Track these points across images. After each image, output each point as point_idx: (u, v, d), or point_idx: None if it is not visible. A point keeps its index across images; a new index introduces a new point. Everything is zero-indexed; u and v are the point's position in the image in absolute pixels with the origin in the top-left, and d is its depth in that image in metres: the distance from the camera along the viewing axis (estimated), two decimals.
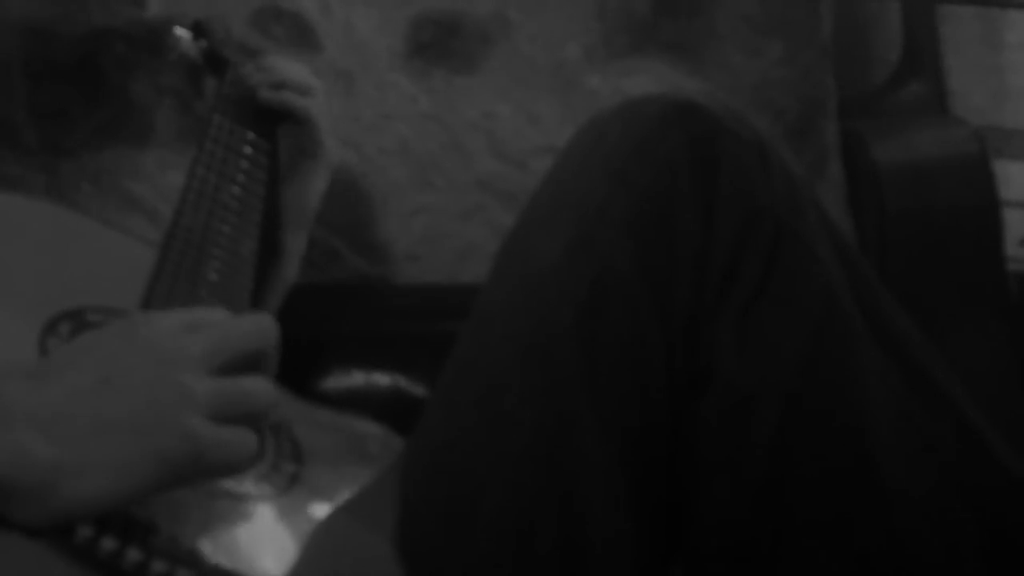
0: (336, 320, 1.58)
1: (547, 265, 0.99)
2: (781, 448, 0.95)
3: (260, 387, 0.90)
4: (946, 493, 0.96)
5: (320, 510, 0.98)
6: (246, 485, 0.96)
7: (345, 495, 1.00)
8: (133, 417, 0.85)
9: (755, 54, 1.69)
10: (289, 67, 1.43)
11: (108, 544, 0.83)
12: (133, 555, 0.83)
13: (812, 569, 0.95)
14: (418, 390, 1.47)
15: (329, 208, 1.58)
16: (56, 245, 1.14)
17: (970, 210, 1.68)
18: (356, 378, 1.51)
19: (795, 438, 0.95)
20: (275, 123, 1.37)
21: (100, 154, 1.61)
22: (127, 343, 0.89)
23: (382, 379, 1.50)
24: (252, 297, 1.17)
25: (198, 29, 1.46)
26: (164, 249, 1.12)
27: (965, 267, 1.67)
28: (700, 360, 0.97)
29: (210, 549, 0.89)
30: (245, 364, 0.91)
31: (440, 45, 1.67)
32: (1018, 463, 0.98)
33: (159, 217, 1.57)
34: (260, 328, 0.93)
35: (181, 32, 1.46)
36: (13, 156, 1.59)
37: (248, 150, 1.30)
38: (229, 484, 0.95)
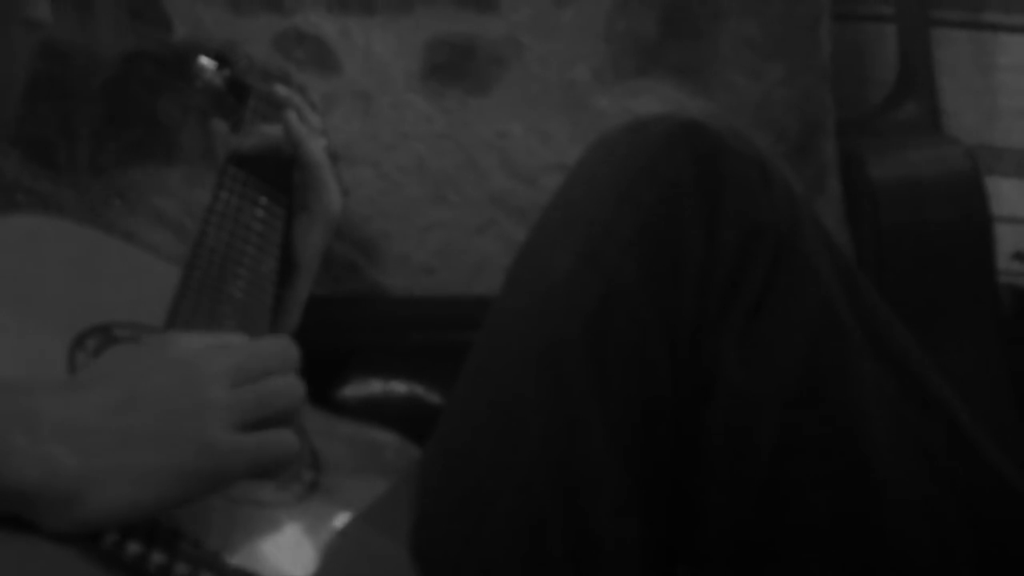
0: (354, 331, 1.58)
1: (557, 278, 0.99)
2: (781, 454, 0.95)
3: (285, 384, 0.90)
4: (940, 498, 0.96)
5: (338, 517, 0.98)
6: (267, 492, 0.96)
7: (362, 503, 1.00)
8: (155, 431, 0.85)
9: (757, 76, 1.69)
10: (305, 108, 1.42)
11: (133, 548, 0.83)
12: (157, 559, 0.83)
13: (811, 570, 0.95)
14: (434, 398, 1.47)
15: (348, 223, 1.58)
16: (84, 263, 1.14)
17: (963, 225, 1.68)
18: (374, 387, 1.50)
19: (795, 444, 0.95)
20: (290, 172, 1.35)
21: (129, 171, 1.61)
22: (155, 362, 0.89)
23: (399, 387, 1.50)
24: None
25: (221, 58, 1.46)
26: (189, 267, 1.12)
27: (958, 280, 1.67)
28: (703, 370, 0.96)
29: (231, 554, 0.88)
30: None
31: (455, 67, 1.67)
32: (1011, 469, 0.98)
33: (185, 231, 1.57)
34: (284, 350, 0.93)
35: (206, 62, 1.45)
36: (45, 174, 1.59)
37: (264, 200, 1.28)
38: (250, 491, 0.94)
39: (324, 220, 1.35)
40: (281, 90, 1.42)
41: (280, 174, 1.33)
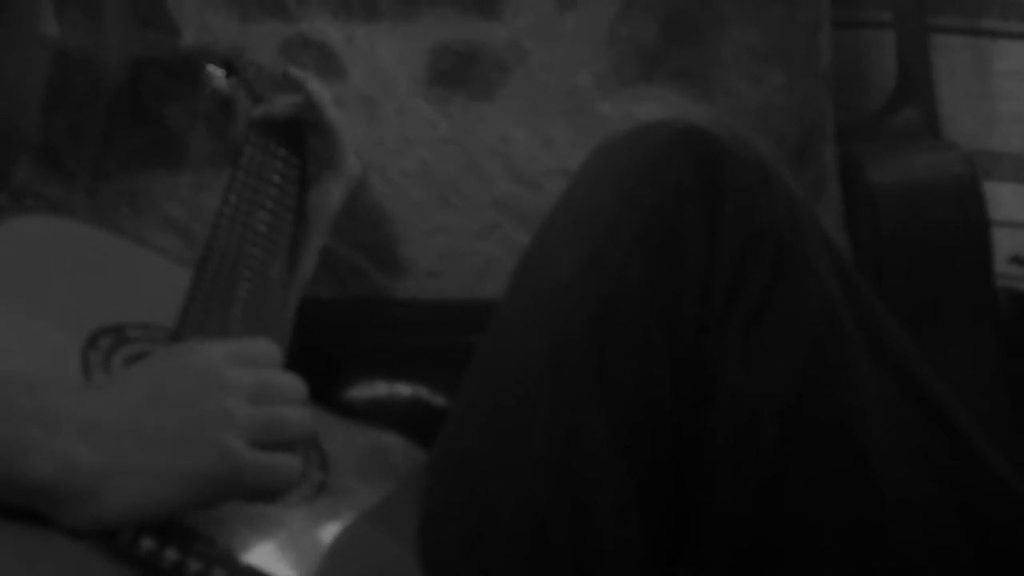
0: (360, 334, 1.58)
1: (560, 282, 0.99)
2: (782, 455, 0.95)
3: (298, 416, 0.91)
4: (939, 499, 0.96)
5: (345, 517, 0.98)
6: None
7: (368, 503, 1.00)
8: (175, 433, 0.86)
9: (757, 81, 1.69)
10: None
11: (147, 544, 0.84)
12: (171, 555, 0.84)
13: (811, 571, 0.95)
14: (439, 400, 1.47)
15: (354, 227, 1.58)
16: (97, 265, 1.14)
17: (961, 229, 1.68)
18: (380, 389, 1.50)
19: (795, 446, 0.95)
20: (304, 137, 1.39)
21: (137, 177, 1.62)
22: (178, 366, 0.90)
23: (404, 390, 1.50)
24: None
25: (230, 67, 1.47)
26: (199, 270, 1.12)
27: (957, 283, 1.67)
28: (705, 372, 0.97)
29: (243, 551, 0.89)
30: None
31: (459, 73, 1.67)
32: (1009, 471, 0.98)
33: (193, 236, 1.58)
34: (297, 383, 0.94)
35: (214, 70, 1.46)
36: (55, 179, 1.60)
37: (277, 178, 1.31)
38: None
39: (346, 177, 1.41)
40: (298, 72, 1.45)
41: (297, 139, 1.39)
